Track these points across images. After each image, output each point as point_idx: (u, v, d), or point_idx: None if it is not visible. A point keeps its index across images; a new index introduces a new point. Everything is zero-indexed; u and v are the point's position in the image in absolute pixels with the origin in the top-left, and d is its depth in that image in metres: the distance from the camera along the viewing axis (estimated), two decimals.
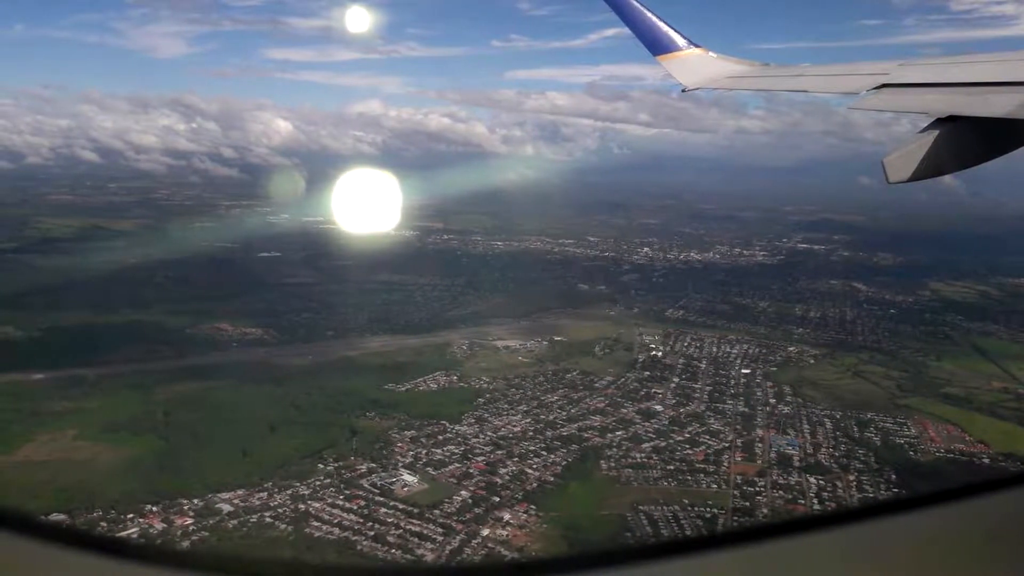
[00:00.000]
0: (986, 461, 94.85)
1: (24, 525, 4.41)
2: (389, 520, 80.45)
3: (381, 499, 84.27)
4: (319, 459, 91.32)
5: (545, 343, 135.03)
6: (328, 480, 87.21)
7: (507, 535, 78.66)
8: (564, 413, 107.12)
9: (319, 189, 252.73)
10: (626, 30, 31.99)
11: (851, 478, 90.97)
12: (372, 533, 78.34)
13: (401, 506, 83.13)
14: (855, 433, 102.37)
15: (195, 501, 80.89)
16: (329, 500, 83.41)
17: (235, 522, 78.35)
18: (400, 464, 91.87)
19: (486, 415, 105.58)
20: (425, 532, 78.94)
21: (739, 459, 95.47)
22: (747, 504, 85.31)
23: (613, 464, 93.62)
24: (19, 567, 4.31)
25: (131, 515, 77.92)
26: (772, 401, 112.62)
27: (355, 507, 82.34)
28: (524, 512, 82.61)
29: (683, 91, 29.75)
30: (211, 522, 78.04)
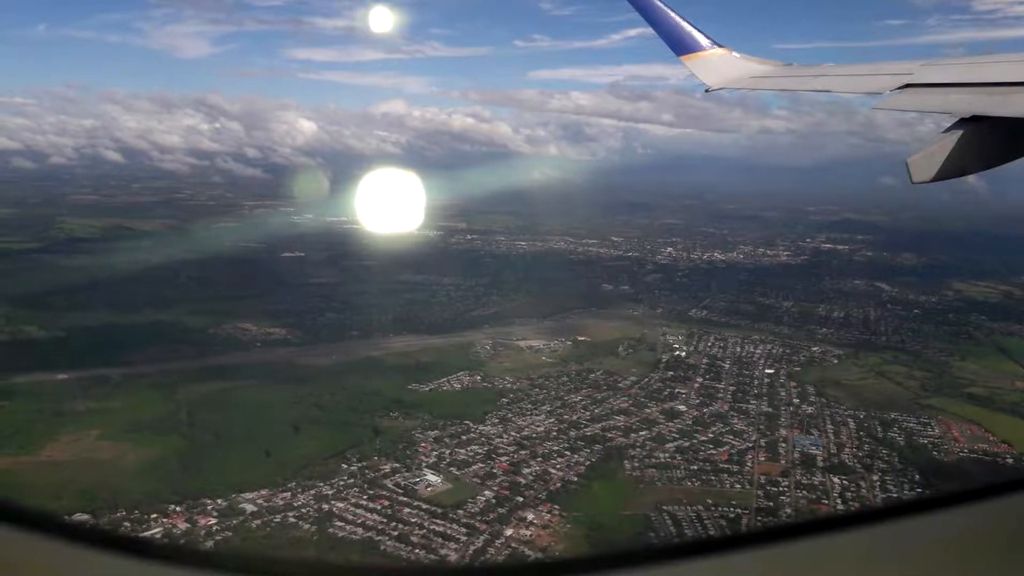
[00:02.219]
0: (1010, 461, 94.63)
1: (47, 525, 4.44)
2: (413, 520, 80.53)
3: (405, 499, 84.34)
4: (342, 459, 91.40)
5: (568, 343, 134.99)
6: (351, 480, 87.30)
7: (531, 535, 78.66)
8: (588, 413, 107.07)
9: (343, 189, 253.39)
10: (649, 30, 32.01)
11: (875, 478, 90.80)
12: (396, 533, 78.42)
13: (425, 506, 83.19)
14: (879, 433, 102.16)
15: (218, 501, 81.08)
16: (352, 500, 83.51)
17: (258, 522, 78.49)
18: (424, 464, 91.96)
19: (510, 415, 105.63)
20: (449, 532, 79.01)
21: (763, 459, 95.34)
22: (771, 504, 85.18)
23: (637, 464, 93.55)
24: (43, 567, 4.34)
25: (154, 515, 78.11)
26: (796, 401, 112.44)
27: (379, 507, 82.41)
28: (548, 512, 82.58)
29: (706, 91, 29.75)
30: (234, 522, 78.19)
